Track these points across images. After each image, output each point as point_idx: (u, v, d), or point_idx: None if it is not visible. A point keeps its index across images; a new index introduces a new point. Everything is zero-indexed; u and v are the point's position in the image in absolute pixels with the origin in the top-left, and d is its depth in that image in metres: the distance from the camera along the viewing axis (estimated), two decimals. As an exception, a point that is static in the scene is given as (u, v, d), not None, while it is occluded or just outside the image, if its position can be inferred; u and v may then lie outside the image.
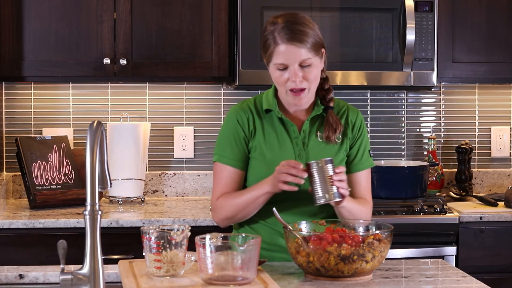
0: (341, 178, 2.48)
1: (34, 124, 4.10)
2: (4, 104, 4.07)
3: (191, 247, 2.24)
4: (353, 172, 2.72)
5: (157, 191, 4.18)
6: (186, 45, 3.84)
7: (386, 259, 2.53)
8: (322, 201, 2.48)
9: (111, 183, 2.12)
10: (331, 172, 2.47)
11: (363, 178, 2.74)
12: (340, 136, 2.69)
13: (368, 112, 4.30)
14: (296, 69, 2.55)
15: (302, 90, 2.57)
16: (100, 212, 1.98)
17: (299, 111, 2.68)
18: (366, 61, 3.85)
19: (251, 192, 2.59)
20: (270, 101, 2.68)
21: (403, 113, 4.34)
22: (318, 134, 2.68)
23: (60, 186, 3.83)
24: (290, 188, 2.48)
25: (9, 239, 3.48)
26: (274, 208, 2.46)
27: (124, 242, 3.51)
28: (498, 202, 3.88)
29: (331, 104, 2.69)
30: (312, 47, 2.55)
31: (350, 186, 2.66)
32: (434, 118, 4.37)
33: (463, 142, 4.26)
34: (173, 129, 4.20)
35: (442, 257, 3.66)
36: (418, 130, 4.36)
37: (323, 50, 2.61)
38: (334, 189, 2.47)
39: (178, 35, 3.83)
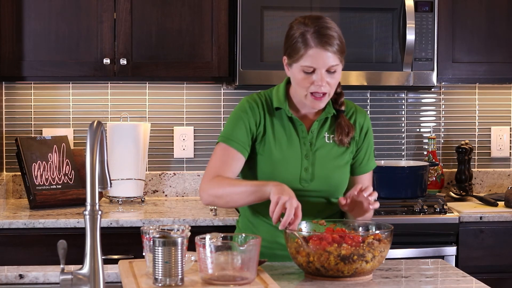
0: (370, 192, 2.51)
1: (34, 124, 4.10)
2: (4, 104, 4.07)
3: (191, 247, 2.24)
4: (358, 174, 2.75)
5: (157, 191, 4.18)
6: (186, 45, 3.84)
7: (386, 259, 2.53)
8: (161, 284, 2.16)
9: (111, 183, 2.12)
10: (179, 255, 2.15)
11: (367, 180, 2.76)
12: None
13: (368, 112, 4.30)
14: (323, 74, 2.55)
15: (324, 94, 2.58)
16: (100, 212, 1.98)
17: (309, 112, 2.69)
18: (366, 61, 3.85)
19: (252, 186, 2.54)
20: (281, 99, 2.67)
21: (403, 113, 4.34)
22: (326, 135, 2.69)
23: (60, 186, 3.83)
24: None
25: (9, 239, 3.48)
26: None
27: (124, 242, 3.51)
28: (498, 202, 3.88)
29: (343, 108, 2.71)
30: (339, 53, 2.57)
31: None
32: (434, 118, 4.37)
33: (463, 142, 4.26)
34: (173, 129, 4.20)
35: (442, 257, 3.66)
36: (418, 130, 4.36)
37: (343, 56, 2.62)
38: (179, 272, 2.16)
39: (178, 35, 3.83)
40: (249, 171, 2.70)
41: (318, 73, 2.55)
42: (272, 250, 2.65)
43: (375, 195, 2.52)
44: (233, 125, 2.66)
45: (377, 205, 2.55)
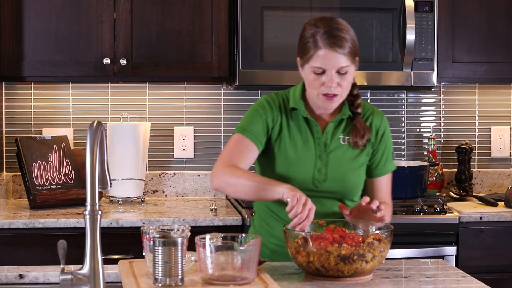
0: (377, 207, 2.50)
1: (34, 124, 4.10)
2: (4, 104, 4.07)
3: (191, 247, 2.24)
4: (376, 176, 2.74)
5: (157, 191, 4.18)
6: (186, 45, 3.84)
7: (386, 259, 2.53)
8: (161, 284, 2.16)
9: (111, 183, 2.12)
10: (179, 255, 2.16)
11: (385, 182, 2.76)
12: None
13: (368, 112, 4.30)
14: (333, 75, 2.55)
15: (335, 95, 2.58)
16: (100, 212, 1.98)
17: (324, 113, 2.69)
18: (366, 61, 3.85)
19: (265, 184, 2.54)
20: (297, 101, 2.68)
21: (403, 113, 4.34)
22: (341, 136, 2.69)
23: (60, 186, 3.83)
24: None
25: (9, 239, 3.48)
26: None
27: (124, 242, 3.51)
28: (498, 202, 3.88)
29: (359, 110, 2.70)
30: (350, 54, 2.56)
31: (371, 190, 2.74)
32: (434, 118, 4.37)
33: (463, 142, 4.26)
34: (173, 129, 4.20)
35: (442, 257, 3.66)
36: (418, 130, 4.36)
37: (357, 58, 2.61)
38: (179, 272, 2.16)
39: (178, 35, 3.83)
40: (268, 167, 2.70)
41: (328, 74, 2.55)
42: (286, 249, 2.64)
43: (383, 207, 2.50)
44: (250, 118, 2.68)
45: (387, 219, 2.58)
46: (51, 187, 3.81)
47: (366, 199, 2.50)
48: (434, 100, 4.37)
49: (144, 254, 2.31)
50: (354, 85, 2.68)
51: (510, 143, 4.43)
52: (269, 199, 2.56)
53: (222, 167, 2.62)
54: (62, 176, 3.85)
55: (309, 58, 2.57)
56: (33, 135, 4.05)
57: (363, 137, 2.67)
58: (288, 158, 2.66)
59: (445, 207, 3.72)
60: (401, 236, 3.54)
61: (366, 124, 2.70)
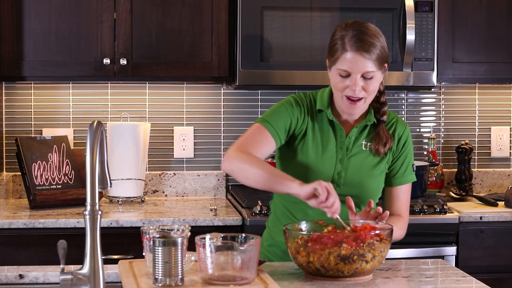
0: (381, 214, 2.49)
1: (34, 124, 4.10)
2: (4, 104, 4.07)
3: (191, 247, 2.24)
4: (394, 185, 2.73)
5: (157, 191, 4.18)
6: (186, 45, 3.84)
7: (386, 259, 2.53)
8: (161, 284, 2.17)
9: (111, 183, 2.12)
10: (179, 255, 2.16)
11: (403, 193, 2.74)
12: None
13: (368, 112, 4.30)
14: (357, 79, 2.55)
15: (359, 99, 2.59)
16: (100, 212, 1.98)
17: (349, 117, 2.69)
18: (366, 61, 3.85)
19: (278, 176, 2.52)
20: (324, 103, 2.68)
21: (403, 113, 4.34)
22: (364, 142, 2.69)
23: (60, 186, 3.83)
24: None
25: (9, 239, 3.48)
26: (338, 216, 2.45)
27: (124, 242, 3.51)
28: (498, 202, 3.88)
29: (384, 118, 2.70)
30: (377, 60, 2.56)
31: (388, 199, 2.73)
32: (434, 118, 4.37)
33: (463, 142, 4.26)
34: (173, 129, 4.20)
35: (442, 257, 3.66)
36: (418, 130, 4.36)
37: (385, 64, 2.61)
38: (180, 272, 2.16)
39: (178, 35, 3.83)
40: (289, 166, 2.69)
41: (353, 77, 2.55)
42: None
43: (386, 216, 2.47)
44: (274, 111, 2.68)
45: (397, 234, 2.61)
46: (51, 187, 3.81)
47: (371, 203, 2.49)
48: (434, 100, 4.37)
49: (144, 254, 2.31)
50: (381, 93, 2.69)
51: (510, 143, 4.43)
52: (279, 192, 2.55)
53: (237, 151, 2.59)
54: (62, 176, 3.85)
55: (336, 60, 2.57)
56: (33, 135, 4.05)
57: (385, 145, 2.67)
58: (309, 158, 2.66)
59: (445, 207, 3.72)
60: (401, 236, 3.54)
61: (389, 133, 2.70)
